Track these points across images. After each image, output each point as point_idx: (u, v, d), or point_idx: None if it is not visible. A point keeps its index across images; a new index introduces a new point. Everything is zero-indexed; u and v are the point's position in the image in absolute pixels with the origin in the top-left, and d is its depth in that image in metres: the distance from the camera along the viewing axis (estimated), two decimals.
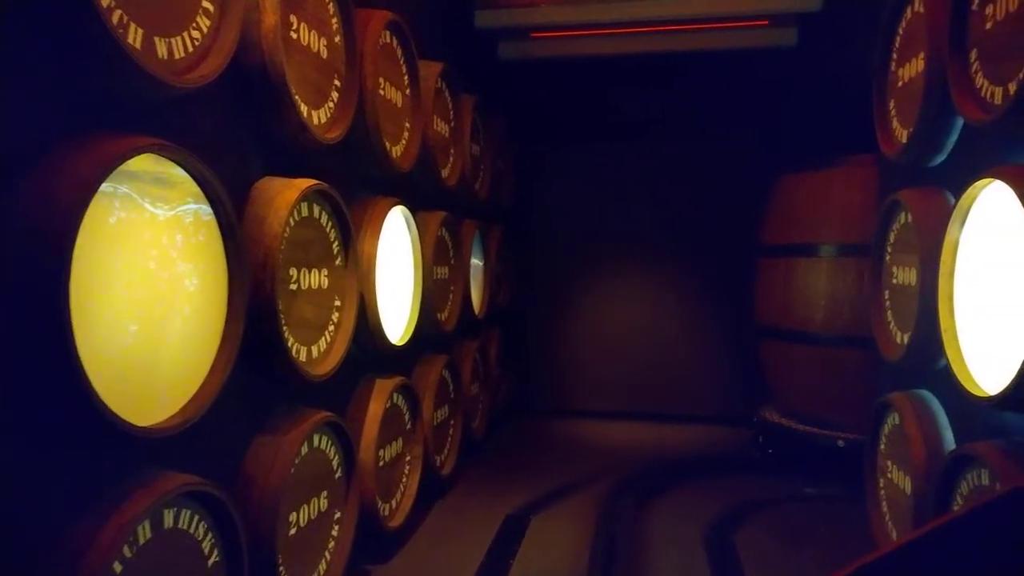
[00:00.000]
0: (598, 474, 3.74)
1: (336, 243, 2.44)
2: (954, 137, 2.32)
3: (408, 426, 3.03)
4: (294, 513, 2.14)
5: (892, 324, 2.63)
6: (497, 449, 4.27)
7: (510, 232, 4.99)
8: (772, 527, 3.12)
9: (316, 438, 2.27)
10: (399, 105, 2.94)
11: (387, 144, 2.75)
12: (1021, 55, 1.74)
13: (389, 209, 2.78)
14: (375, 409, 2.70)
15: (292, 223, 2.14)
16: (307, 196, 2.21)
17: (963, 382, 1.95)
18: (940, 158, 2.42)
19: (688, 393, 5.17)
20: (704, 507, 3.28)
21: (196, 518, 1.68)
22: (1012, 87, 1.79)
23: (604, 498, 3.38)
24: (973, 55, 2.02)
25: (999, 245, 1.92)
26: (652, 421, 5.00)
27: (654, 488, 3.53)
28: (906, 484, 2.45)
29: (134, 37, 1.50)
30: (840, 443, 3.37)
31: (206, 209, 1.75)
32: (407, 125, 3.03)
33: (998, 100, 1.87)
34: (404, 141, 3.00)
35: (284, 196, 2.08)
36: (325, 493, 2.33)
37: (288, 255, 2.12)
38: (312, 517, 2.24)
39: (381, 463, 2.74)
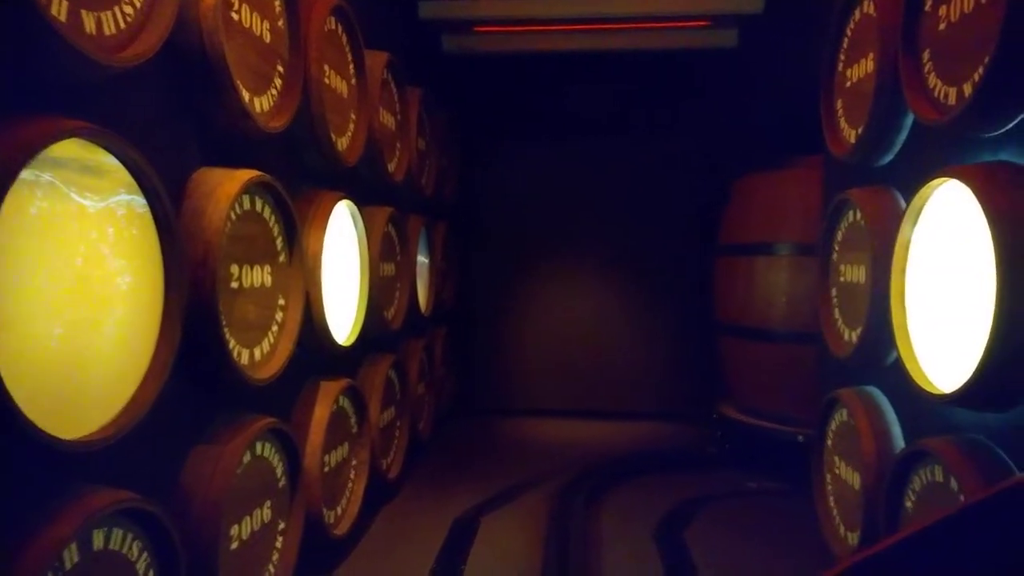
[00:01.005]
0: (547, 473, 3.69)
1: (280, 239, 2.31)
2: (903, 137, 2.35)
3: (354, 430, 2.91)
4: (236, 526, 2.01)
5: (840, 321, 2.67)
6: (443, 450, 4.18)
7: (455, 229, 4.91)
8: (721, 522, 3.14)
9: (259, 446, 2.14)
10: (345, 95, 2.82)
11: (333, 136, 2.63)
12: (975, 56, 1.76)
13: (335, 204, 2.66)
14: (321, 413, 2.57)
15: (233, 217, 2.01)
16: (249, 188, 2.08)
17: (916, 380, 1.98)
18: (888, 158, 2.45)
19: (635, 390, 5.20)
20: (654, 504, 3.27)
21: (130, 537, 1.55)
22: (967, 88, 1.81)
23: (554, 497, 3.34)
24: (926, 56, 2.04)
25: (951, 244, 1.94)
26: (599, 419, 5.01)
27: (603, 486, 3.51)
28: (854, 480, 2.48)
29: (59, 9, 1.35)
30: (800, 439, 3.41)
31: (140, 201, 1.61)
32: (353, 116, 2.91)
33: (952, 100, 1.89)
34: (350, 133, 2.88)
35: (225, 188, 1.95)
36: (269, 503, 2.20)
37: (229, 251, 1.99)
38: (255, 529, 2.12)
39: (327, 469, 2.62)
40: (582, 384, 5.24)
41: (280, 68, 2.27)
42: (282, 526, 2.30)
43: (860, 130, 2.46)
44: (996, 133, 1.82)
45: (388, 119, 3.38)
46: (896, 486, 2.08)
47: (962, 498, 1.77)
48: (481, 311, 5.35)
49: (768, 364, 3.61)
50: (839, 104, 2.72)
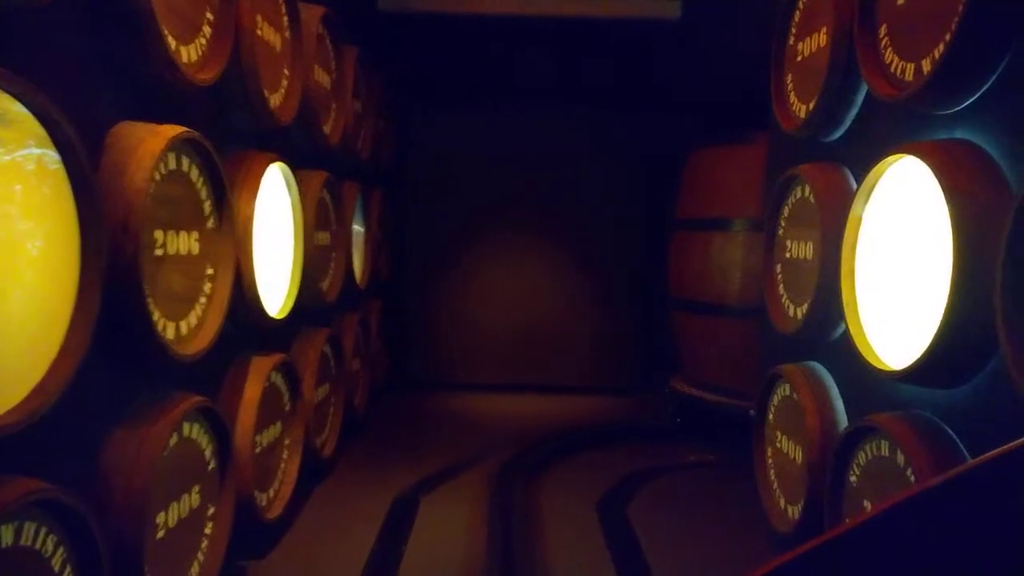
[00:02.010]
0: (488, 450, 3.63)
1: (208, 202, 2.13)
2: (853, 113, 2.35)
3: (287, 407, 2.76)
4: (162, 513, 1.86)
5: (784, 297, 2.68)
6: (379, 427, 4.06)
7: (391, 196, 4.74)
8: (662, 497, 3.15)
9: (187, 427, 1.99)
10: (277, 49, 2.62)
11: (265, 92, 2.44)
12: (935, 32, 1.75)
13: (267, 166, 2.47)
14: (252, 391, 2.42)
15: (158, 177, 1.83)
16: (176, 146, 1.90)
17: (866, 356, 1.99)
18: (837, 134, 2.46)
19: (578, 365, 5.18)
20: (596, 479, 3.26)
21: (44, 531, 1.39)
22: (926, 64, 1.80)
23: (495, 475, 3.28)
24: (883, 31, 2.03)
25: (903, 221, 1.95)
26: (541, 393, 4.97)
27: (545, 462, 3.47)
28: (797, 454, 2.51)
29: None
30: (752, 412, 3.44)
31: (52, 155, 1.43)
32: (286, 72, 2.72)
33: (909, 76, 1.89)
34: (283, 90, 2.69)
35: (148, 145, 1.76)
36: (197, 488, 2.05)
37: (153, 215, 1.82)
38: (183, 516, 1.97)
39: (258, 450, 2.47)
40: (524, 358, 5.18)
41: (209, 15, 2.07)
42: (212, 511, 2.15)
43: (811, 105, 2.45)
44: (950, 111, 1.82)
45: (323, 77, 3.19)
46: (841, 461, 2.10)
47: (910, 473, 1.79)
48: (418, 283, 5.21)
49: (723, 339, 3.63)
50: (789, 78, 2.70)
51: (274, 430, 2.64)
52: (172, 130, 1.83)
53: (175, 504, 1.93)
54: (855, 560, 1.12)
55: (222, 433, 2.16)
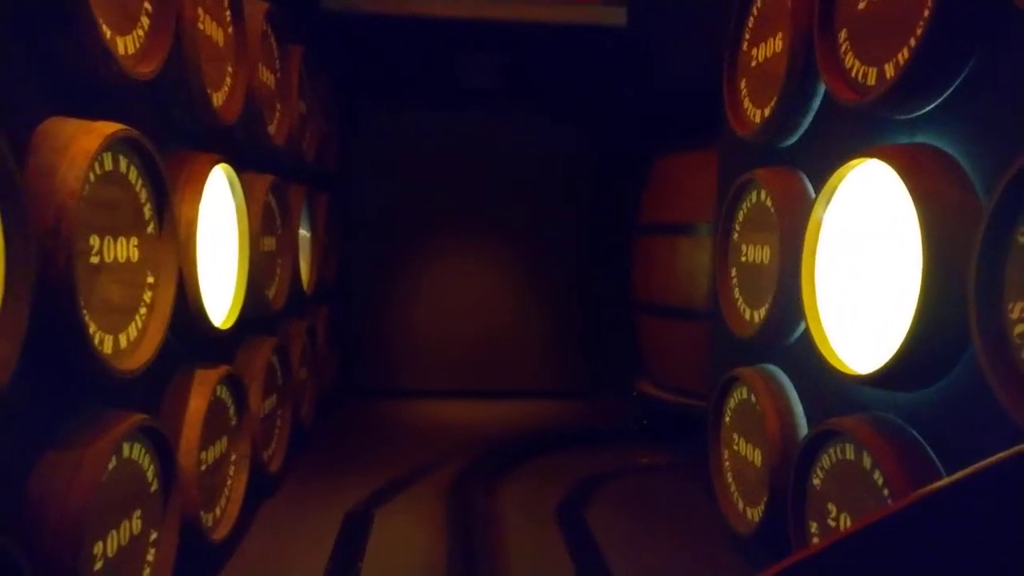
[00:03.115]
0: (442, 458, 3.54)
1: (148, 206, 2.00)
2: (809, 118, 2.37)
3: (234, 422, 2.62)
4: (100, 543, 1.72)
5: (740, 301, 2.68)
6: (328, 438, 3.92)
7: (337, 200, 4.60)
8: (620, 501, 3.12)
9: (127, 447, 1.85)
10: (220, 45, 2.49)
11: (208, 89, 2.31)
12: (898, 36, 1.76)
13: (211, 168, 2.34)
14: (197, 405, 2.28)
15: (92, 179, 1.70)
16: (112, 145, 1.76)
17: (830, 360, 1.99)
18: (792, 139, 2.47)
19: (527, 368, 5.13)
20: (552, 486, 3.21)
21: None
22: (889, 69, 1.81)
23: (451, 484, 3.19)
24: (843, 35, 2.04)
25: (864, 225, 1.96)
26: (491, 398, 4.90)
27: (501, 469, 3.40)
28: (756, 457, 2.51)
29: None
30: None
31: None
32: (230, 70, 2.59)
33: (871, 81, 1.89)
34: (227, 88, 2.56)
35: (82, 143, 1.63)
36: (139, 512, 1.91)
37: (88, 219, 1.69)
38: (123, 543, 1.83)
39: (203, 468, 2.33)
40: (475, 363, 5.10)
41: (148, 5, 1.94)
42: (154, 536, 2.01)
43: (766, 110, 2.46)
44: (912, 115, 1.84)
45: (268, 76, 3.05)
46: (804, 464, 2.10)
47: (877, 475, 1.79)
48: (365, 288, 5.07)
49: (689, 342, 3.63)
50: (743, 84, 2.71)
51: (220, 446, 2.50)
52: (108, 127, 1.70)
53: (114, 532, 1.79)
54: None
55: (165, 452, 2.02)
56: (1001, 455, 1.01)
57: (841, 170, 1.99)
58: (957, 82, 1.68)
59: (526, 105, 5.13)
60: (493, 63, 5.08)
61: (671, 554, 2.64)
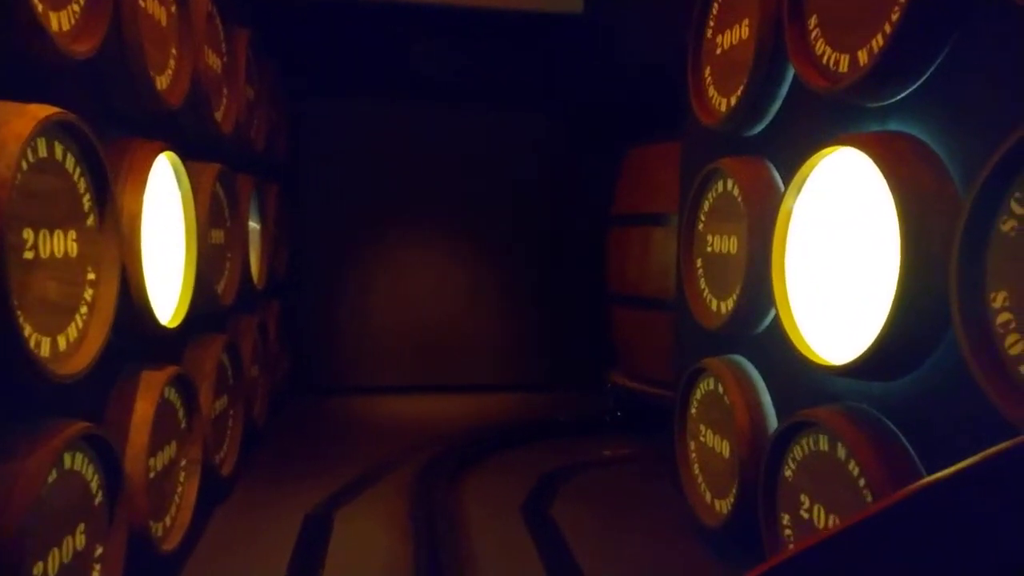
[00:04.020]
0: (401, 456, 3.44)
1: (87, 196, 1.85)
2: (776, 106, 2.35)
3: (183, 425, 2.48)
4: (40, 563, 1.59)
5: (707, 291, 2.66)
6: (282, 438, 3.78)
7: (287, 191, 4.43)
8: (585, 495, 3.09)
9: (68, 457, 1.71)
10: (163, 25, 2.34)
11: (151, 72, 2.16)
12: (872, 22, 1.74)
13: (155, 156, 2.19)
14: (144, 409, 2.14)
15: (25, 167, 1.55)
16: (48, 130, 1.62)
17: (803, 351, 1.97)
18: (759, 127, 2.45)
19: (485, 362, 5.06)
20: (516, 481, 3.14)
21: None
22: (862, 55, 1.79)
23: (412, 483, 3.10)
24: (812, 21, 2.01)
25: (837, 213, 1.94)
26: (450, 393, 4.81)
27: (463, 466, 3.33)
28: (723, 448, 2.50)
29: None
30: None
31: None
32: (174, 52, 2.43)
33: (844, 68, 1.87)
34: (171, 71, 2.41)
35: (13, 127, 1.49)
36: (82, 527, 1.78)
37: (20, 211, 1.54)
38: (66, 561, 1.70)
39: (152, 475, 2.19)
40: (432, 357, 4.99)
41: None
42: (100, 551, 1.88)
43: (734, 99, 2.43)
44: (884, 103, 1.83)
45: (214, 60, 2.90)
46: (776, 455, 2.09)
47: (853, 466, 1.78)
48: (317, 282, 4.91)
49: (666, 333, 3.58)
50: (707, 72, 2.68)
51: (169, 451, 2.36)
52: (42, 110, 1.57)
53: (56, 550, 1.66)
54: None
55: (110, 461, 1.88)
56: (1000, 447, 0.99)
57: (813, 158, 1.97)
58: (931, 69, 1.67)
59: (483, 93, 5.03)
60: (447, 50, 4.96)
61: (640, 548, 2.62)
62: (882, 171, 1.65)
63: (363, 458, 3.39)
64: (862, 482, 1.75)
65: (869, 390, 1.88)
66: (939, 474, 1.01)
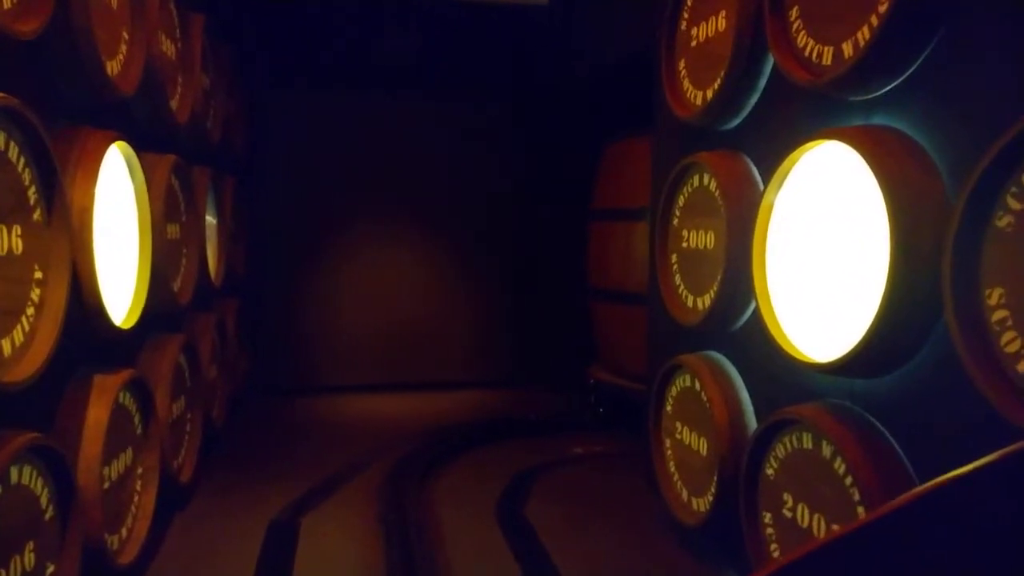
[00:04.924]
0: (368, 457, 3.33)
1: (33, 189, 1.72)
2: (754, 100, 2.32)
3: (139, 431, 2.35)
4: None
5: (682, 287, 2.63)
6: (242, 441, 3.64)
7: (244, 184, 4.27)
8: (559, 494, 3.04)
9: (14, 471, 1.59)
10: (114, 7, 2.20)
11: (102, 56, 2.02)
12: (856, 14, 1.72)
13: (107, 146, 2.06)
14: (97, 415, 2.01)
15: None
16: None
17: (784, 347, 1.95)
18: (736, 121, 2.42)
19: (451, 359, 4.96)
20: (487, 482, 3.08)
21: None
22: (847, 48, 1.76)
23: (381, 485, 3.01)
24: (794, 13, 1.98)
25: (819, 208, 1.92)
26: (414, 391, 4.70)
27: (432, 466, 3.24)
28: (701, 445, 2.47)
29: None
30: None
31: None
32: (126, 36, 2.30)
33: (827, 61, 1.85)
34: (122, 56, 2.27)
35: None
36: (32, 544, 1.66)
37: None
38: None
39: (107, 484, 2.07)
40: (396, 355, 4.87)
41: None
42: (51, 570, 1.75)
43: (710, 92, 2.40)
44: (868, 96, 1.80)
45: (168, 45, 2.75)
46: (757, 453, 2.06)
47: (838, 464, 1.76)
48: (277, 279, 4.74)
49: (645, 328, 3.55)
50: (682, 64, 2.64)
51: (124, 459, 2.23)
52: None
53: (2, 572, 1.53)
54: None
55: (61, 473, 1.76)
56: (1004, 451, 0.96)
57: (795, 152, 1.94)
58: (919, 62, 1.65)
59: (452, 85, 4.90)
60: (411, 43, 4.85)
61: (616, 547, 2.57)
62: (869, 165, 1.63)
63: (329, 461, 3.28)
64: (848, 480, 1.73)
65: (851, 387, 1.86)
66: (954, 473, 0.97)
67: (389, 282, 4.87)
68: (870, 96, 1.79)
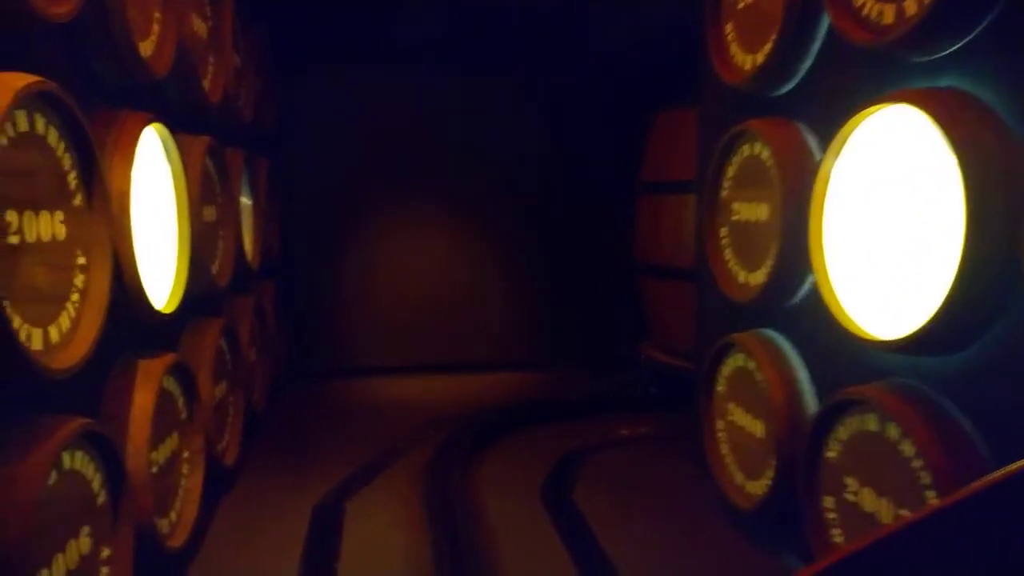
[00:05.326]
0: (410, 441, 3.32)
1: (73, 174, 1.70)
2: (807, 64, 2.21)
3: (184, 415, 2.35)
4: (45, 570, 1.47)
5: (732, 262, 2.54)
6: (283, 423, 3.65)
7: (277, 164, 4.24)
8: (605, 477, 2.99)
9: (67, 457, 1.58)
10: None
11: (134, 37, 1.98)
12: None
13: (143, 128, 2.03)
14: (143, 400, 2.00)
15: (5, 142, 1.40)
16: (27, 101, 1.47)
17: (846, 324, 1.86)
18: (788, 87, 2.31)
19: (490, 339, 4.88)
20: (532, 465, 3.04)
21: None
22: (911, 4, 1.65)
23: (424, 469, 2.99)
24: None
25: (883, 177, 1.82)
26: (453, 372, 4.63)
27: (476, 450, 3.21)
28: (756, 427, 2.40)
29: None
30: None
31: None
32: (158, 16, 2.25)
33: (888, 19, 1.74)
34: (155, 37, 2.23)
35: None
36: (87, 529, 1.65)
37: (2, 191, 1.39)
38: (71, 567, 1.58)
39: (155, 469, 2.06)
40: (434, 336, 4.81)
41: None
42: (106, 553, 1.75)
43: (761, 57, 2.29)
44: (934, 57, 1.70)
45: (199, 25, 2.71)
46: (818, 435, 1.99)
47: (907, 447, 1.69)
48: (312, 260, 4.72)
49: None
50: (729, 28, 2.53)
51: (171, 443, 2.23)
52: (20, 80, 1.41)
53: (60, 556, 1.53)
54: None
55: (111, 457, 1.75)
56: None
57: (855, 118, 1.84)
58: (990, 17, 1.54)
59: (484, 57, 4.75)
60: (439, 15, 4.73)
61: (667, 533, 2.52)
62: (940, 130, 1.53)
63: (369, 444, 3.27)
64: (917, 464, 1.65)
65: (918, 365, 1.77)
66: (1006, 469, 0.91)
67: (423, 261, 4.82)
68: (936, 56, 1.69)
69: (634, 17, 4.19)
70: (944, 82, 1.69)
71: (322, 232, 4.71)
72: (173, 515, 2.23)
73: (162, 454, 2.15)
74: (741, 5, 2.45)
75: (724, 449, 2.60)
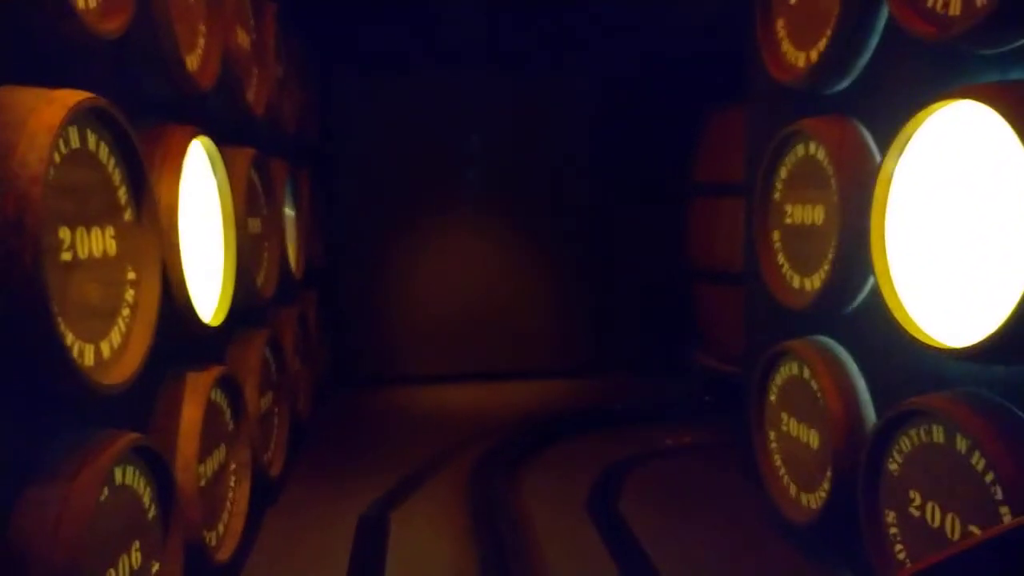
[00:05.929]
0: (454, 450, 3.29)
1: (123, 189, 1.70)
2: (864, 60, 2.13)
3: (231, 427, 2.35)
4: None
5: (786, 267, 2.47)
6: (328, 433, 3.65)
7: (318, 174, 4.26)
8: (651, 488, 2.93)
9: (119, 472, 1.58)
10: (191, 2, 2.17)
11: (182, 51, 2.00)
12: None
13: (190, 142, 2.04)
14: (191, 414, 2.01)
15: (58, 159, 1.40)
16: (79, 117, 1.47)
17: (911, 331, 1.78)
18: (844, 83, 2.23)
19: (534, 348, 4.81)
20: (577, 475, 2.99)
21: None
22: None
23: (469, 479, 2.96)
24: None
25: (949, 177, 1.74)
26: (496, 381, 4.59)
27: (521, 459, 3.17)
28: (811, 438, 2.31)
29: None
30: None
31: None
32: (203, 29, 2.27)
33: (955, 11, 1.66)
34: (200, 50, 2.24)
35: (43, 116, 1.34)
36: (137, 544, 1.65)
37: (55, 208, 1.40)
38: None
39: (203, 482, 2.07)
40: (477, 344, 4.76)
41: None
42: (156, 568, 1.75)
43: (815, 53, 2.22)
44: (1002, 49, 1.61)
45: (243, 37, 2.73)
46: (879, 447, 1.90)
47: (976, 460, 1.60)
48: (355, 269, 4.72)
49: None
50: (780, 24, 2.46)
51: (218, 456, 2.24)
52: (72, 96, 1.41)
53: (112, 571, 1.53)
54: None
55: (161, 472, 1.76)
56: None
57: (919, 115, 1.76)
58: None
59: (525, 58, 4.67)
60: (480, 19, 4.68)
61: (717, 546, 2.45)
62: (1012, 126, 1.45)
63: (413, 453, 3.25)
64: (989, 477, 1.57)
65: (989, 374, 1.68)
66: None
67: (467, 268, 4.78)
68: (1006, 48, 1.60)
69: (687, 15, 4.06)
70: (1016, 75, 1.60)
71: (365, 240, 4.72)
72: (220, 528, 2.23)
73: (210, 467, 2.15)
74: (793, 1, 2.38)
75: (777, 460, 2.52)
